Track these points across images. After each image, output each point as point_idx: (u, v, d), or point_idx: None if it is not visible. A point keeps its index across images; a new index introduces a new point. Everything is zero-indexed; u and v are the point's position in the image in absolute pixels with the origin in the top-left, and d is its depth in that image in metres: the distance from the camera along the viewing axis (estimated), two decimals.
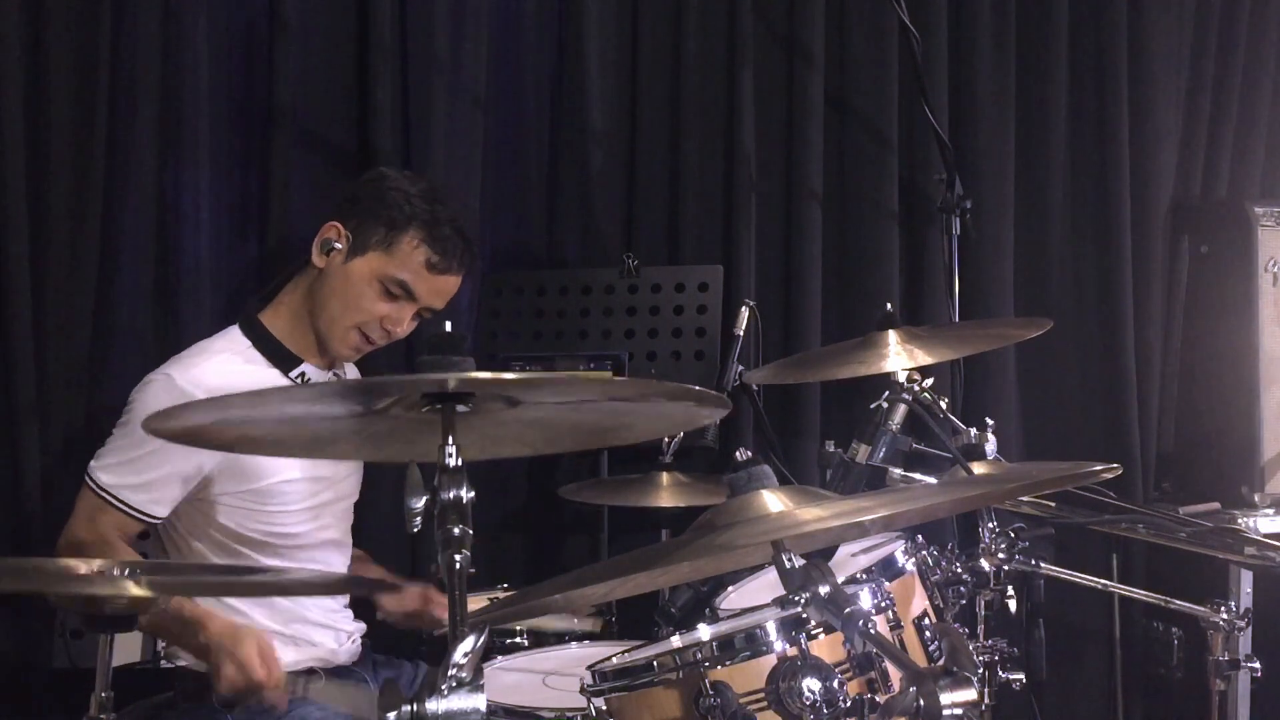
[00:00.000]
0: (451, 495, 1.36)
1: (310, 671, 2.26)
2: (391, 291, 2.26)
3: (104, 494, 2.14)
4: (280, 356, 2.28)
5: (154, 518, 2.17)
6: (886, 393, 2.28)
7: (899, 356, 2.31)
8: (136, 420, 2.13)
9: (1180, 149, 3.47)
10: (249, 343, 2.27)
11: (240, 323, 2.31)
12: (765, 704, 1.52)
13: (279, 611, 2.26)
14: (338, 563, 2.39)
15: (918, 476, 2.23)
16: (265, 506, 2.21)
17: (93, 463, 2.17)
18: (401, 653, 2.55)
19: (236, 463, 2.16)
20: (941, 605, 1.99)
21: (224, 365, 2.21)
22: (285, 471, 2.22)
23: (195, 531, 2.22)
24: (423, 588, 2.52)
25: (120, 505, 2.14)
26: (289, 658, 2.25)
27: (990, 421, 2.26)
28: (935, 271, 3.21)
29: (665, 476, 2.73)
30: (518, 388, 1.44)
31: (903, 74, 3.25)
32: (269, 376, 2.25)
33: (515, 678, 2.22)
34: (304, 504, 2.26)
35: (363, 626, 2.44)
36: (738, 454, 1.57)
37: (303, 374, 2.29)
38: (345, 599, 2.43)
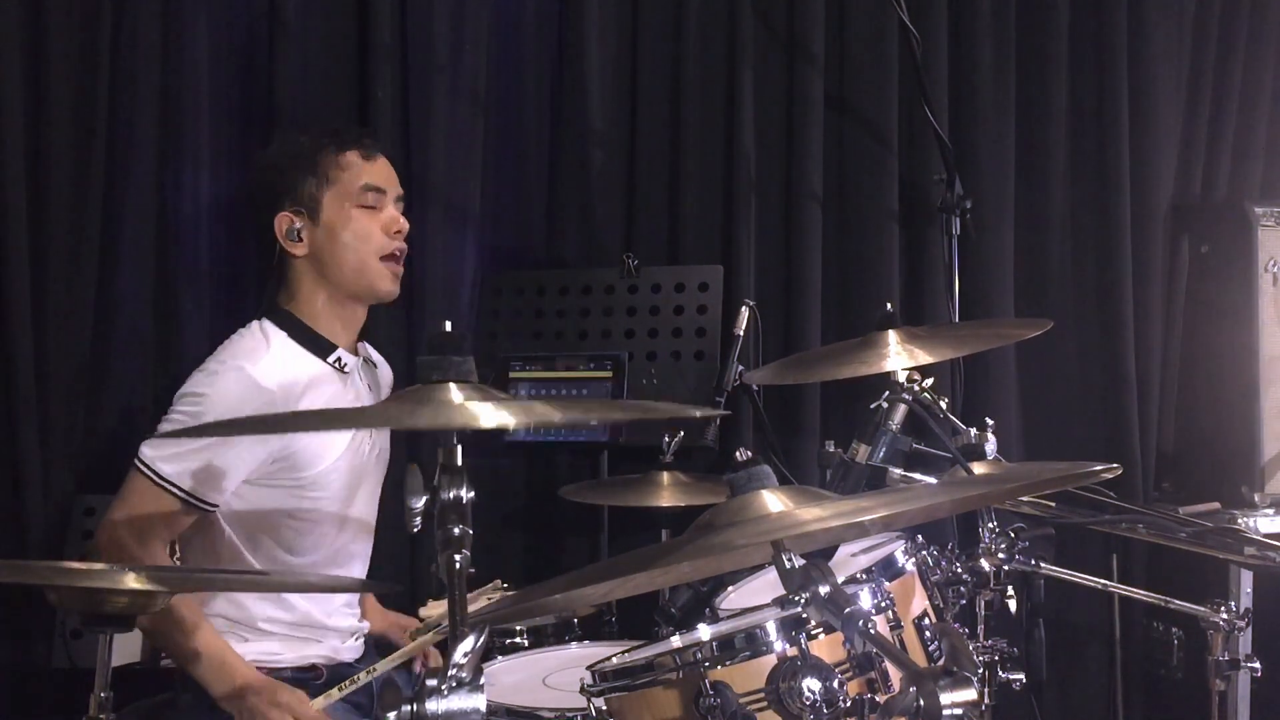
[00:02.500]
0: (451, 495, 1.36)
1: (311, 668, 2.27)
2: (367, 204, 2.29)
3: (165, 483, 2.11)
4: (317, 344, 2.29)
5: (212, 505, 2.16)
6: (886, 393, 2.28)
7: (899, 356, 2.31)
8: (209, 412, 2.11)
9: (1180, 149, 3.47)
10: (284, 334, 2.27)
11: (268, 316, 2.30)
12: (765, 704, 1.52)
13: (290, 609, 2.27)
14: (361, 547, 2.39)
15: (918, 476, 2.23)
16: (309, 492, 2.23)
17: (149, 451, 2.12)
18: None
19: (294, 455, 2.18)
20: (941, 605, 1.98)
21: (279, 354, 2.23)
22: (331, 458, 2.24)
23: (229, 515, 2.21)
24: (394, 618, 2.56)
25: (182, 493, 2.11)
26: (292, 654, 2.25)
27: (990, 421, 2.25)
28: (935, 271, 3.21)
29: (665, 476, 2.73)
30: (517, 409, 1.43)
31: (903, 74, 3.25)
32: (313, 364, 2.26)
33: (515, 678, 2.22)
34: (343, 486, 2.29)
35: (366, 626, 2.45)
36: (738, 454, 1.57)
37: (339, 358, 2.31)
38: (354, 596, 2.43)
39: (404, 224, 2.34)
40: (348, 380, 2.31)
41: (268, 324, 2.29)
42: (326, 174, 2.28)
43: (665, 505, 2.70)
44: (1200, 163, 3.49)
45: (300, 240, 2.27)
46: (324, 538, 2.28)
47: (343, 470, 2.28)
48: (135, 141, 2.77)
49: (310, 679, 2.25)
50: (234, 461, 2.13)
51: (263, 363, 2.19)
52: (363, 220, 2.29)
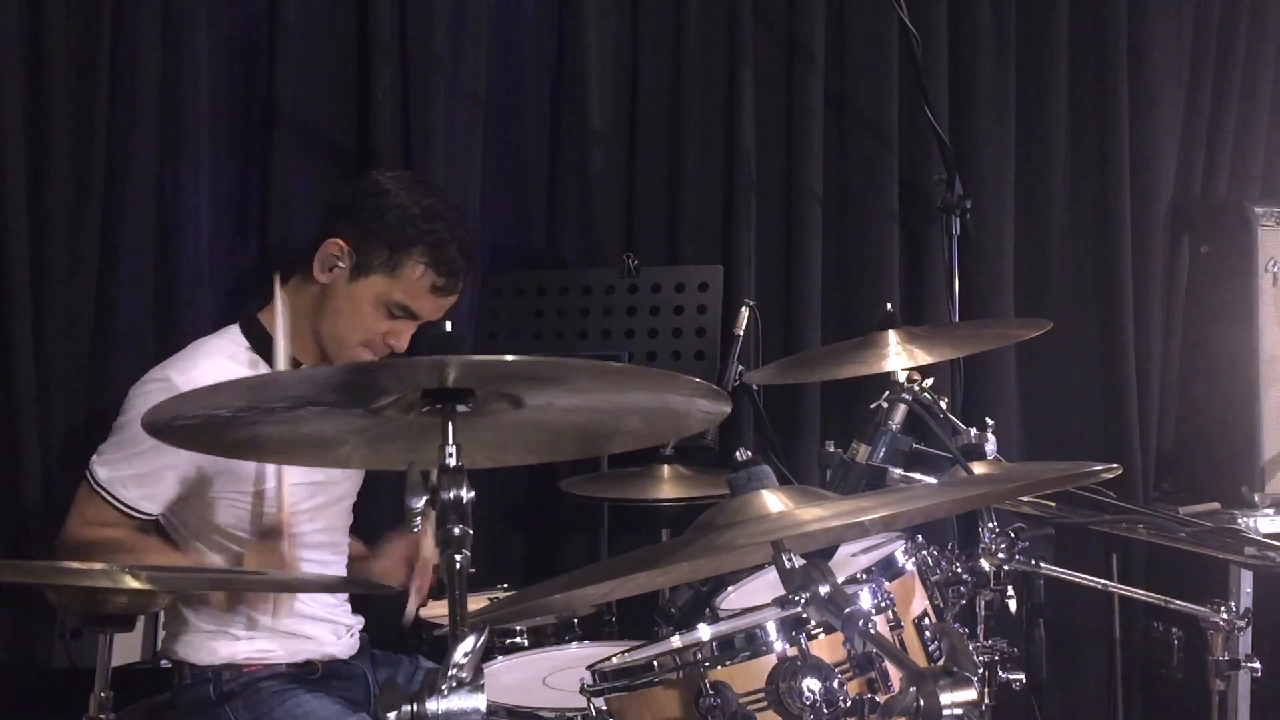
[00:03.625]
0: (451, 495, 1.36)
1: (307, 664, 2.26)
2: (394, 313, 2.25)
3: (99, 489, 2.16)
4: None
5: (145, 514, 2.18)
6: (886, 393, 2.28)
7: (899, 356, 2.32)
8: (132, 418, 2.14)
9: (1180, 149, 3.48)
10: (248, 344, 2.26)
11: (240, 323, 2.30)
12: (765, 704, 1.52)
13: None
14: (334, 563, 2.39)
15: (918, 476, 2.23)
16: (264, 508, 2.21)
17: (94, 457, 2.19)
18: (400, 648, 2.54)
19: (234, 464, 2.16)
20: (941, 605, 1.98)
21: (223, 367, 2.20)
22: (273, 473, 2.22)
23: (196, 530, 2.22)
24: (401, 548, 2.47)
25: (112, 500, 2.15)
26: (285, 651, 2.25)
27: (990, 421, 2.25)
28: (935, 271, 3.21)
29: (666, 469, 2.74)
30: (519, 381, 1.43)
31: (903, 74, 3.25)
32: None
33: (515, 678, 2.22)
34: (301, 506, 2.26)
35: (360, 620, 2.44)
36: (738, 454, 1.57)
37: None
38: (344, 595, 2.43)
39: (402, 346, 2.30)
40: None
41: (235, 330, 2.28)
42: (398, 264, 2.22)
43: (666, 497, 2.70)
44: (1200, 162, 3.50)
45: (329, 273, 2.24)
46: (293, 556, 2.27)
47: (299, 487, 2.25)
48: (135, 141, 2.77)
49: (306, 674, 2.25)
50: (163, 470, 2.13)
51: (195, 372, 2.15)
52: (375, 319, 2.25)
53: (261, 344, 2.26)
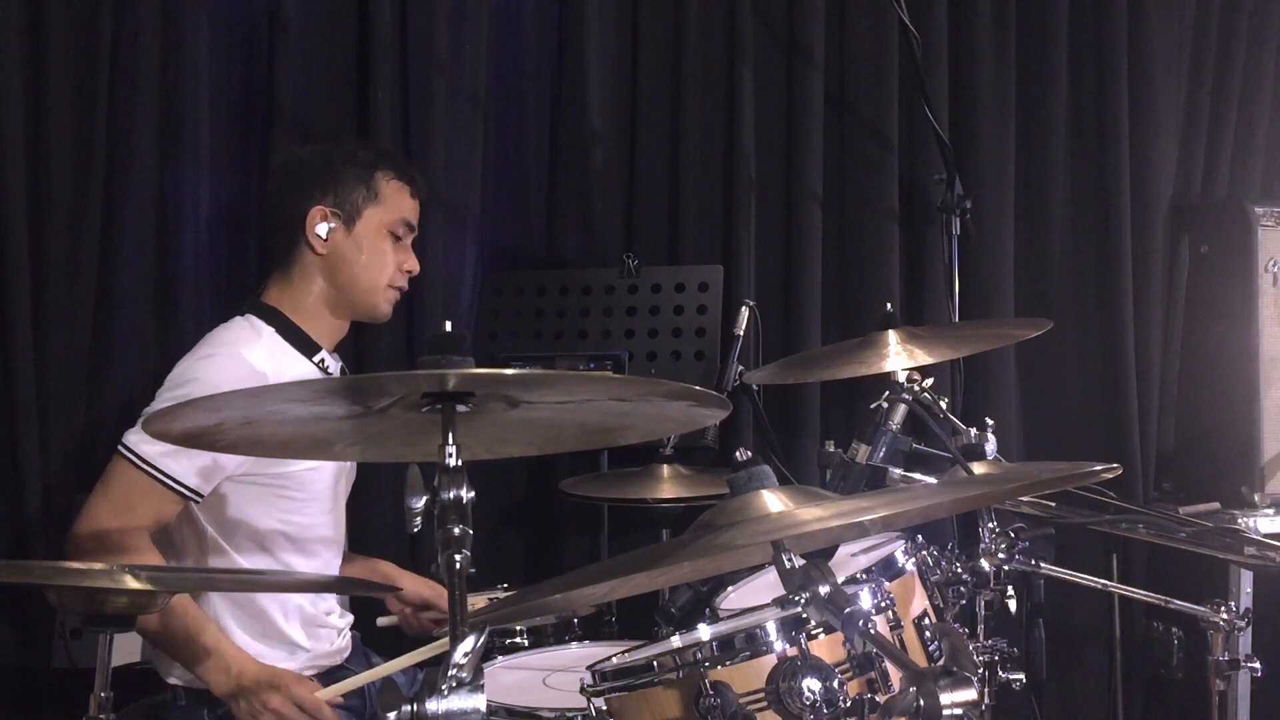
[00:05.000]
0: (451, 495, 1.37)
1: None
2: (398, 235, 2.35)
3: (148, 466, 2.07)
4: (303, 342, 2.29)
5: (196, 494, 2.11)
6: (886, 393, 2.28)
7: (899, 356, 2.32)
8: (200, 393, 2.00)
9: (1180, 149, 3.47)
10: (273, 330, 2.27)
11: (255, 312, 2.29)
12: (765, 704, 1.52)
13: (269, 624, 2.24)
14: (335, 560, 2.39)
15: (918, 476, 2.23)
16: (288, 495, 2.21)
17: (133, 436, 2.09)
18: (396, 650, 2.54)
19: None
20: (941, 605, 1.98)
21: (270, 345, 2.23)
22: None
23: (213, 522, 2.19)
24: (421, 582, 2.52)
25: (165, 478, 2.07)
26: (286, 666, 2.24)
27: (990, 421, 2.26)
28: (935, 271, 3.21)
29: (665, 469, 2.74)
30: (518, 386, 1.44)
31: (903, 74, 3.25)
32: (298, 361, 2.27)
33: (515, 678, 2.22)
34: (325, 495, 2.27)
35: (351, 618, 2.43)
36: (738, 454, 1.57)
37: (322, 359, 2.32)
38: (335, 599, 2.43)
39: (415, 268, 2.39)
40: None
41: (254, 319, 2.28)
42: (377, 190, 2.33)
43: (666, 497, 2.70)
44: (1200, 162, 3.49)
45: (325, 240, 2.29)
46: (302, 545, 2.26)
47: (326, 474, 2.27)
48: (135, 141, 2.77)
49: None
50: None
51: (257, 348, 2.20)
52: (388, 248, 2.34)
53: (287, 330, 2.28)
